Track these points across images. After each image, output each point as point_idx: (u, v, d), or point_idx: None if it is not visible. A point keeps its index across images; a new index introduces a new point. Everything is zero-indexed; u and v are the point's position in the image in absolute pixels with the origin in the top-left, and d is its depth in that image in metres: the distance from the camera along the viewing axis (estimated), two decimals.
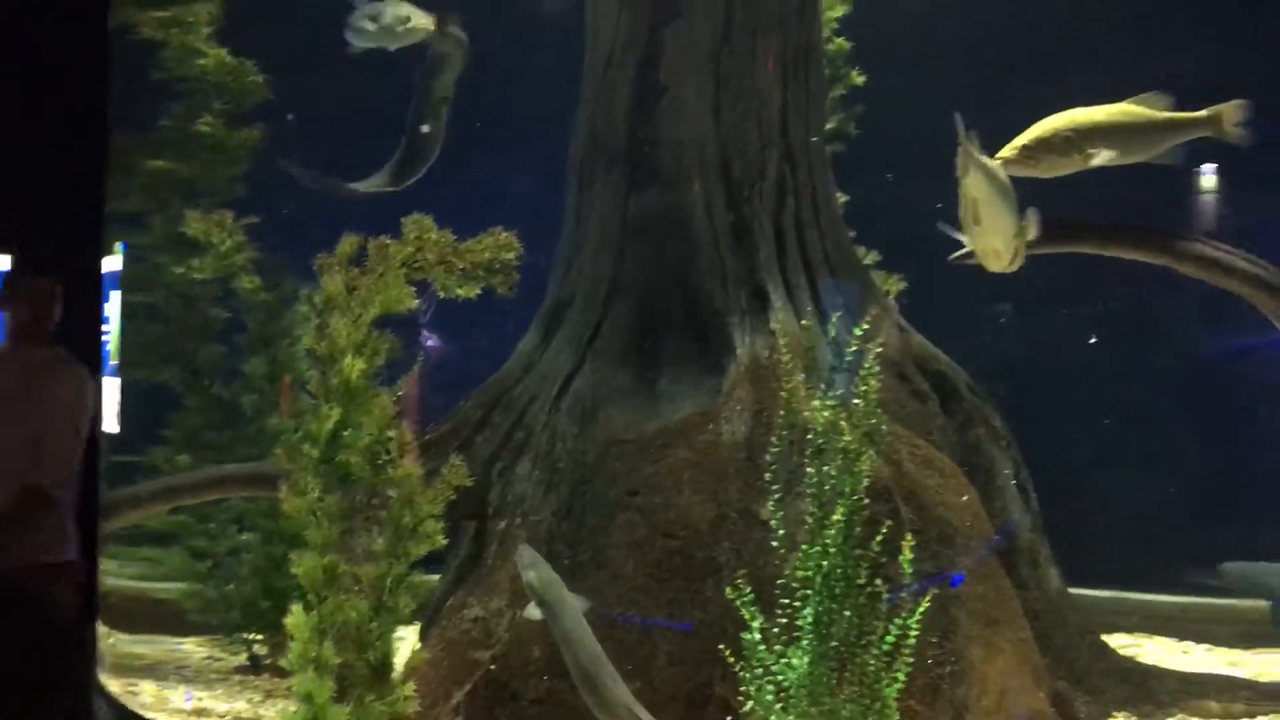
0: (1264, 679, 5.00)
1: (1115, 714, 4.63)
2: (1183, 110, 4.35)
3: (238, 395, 6.18)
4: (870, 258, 6.07)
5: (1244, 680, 4.83)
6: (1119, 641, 5.40)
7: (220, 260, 5.93)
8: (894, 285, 6.09)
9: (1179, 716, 4.59)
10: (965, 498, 4.56)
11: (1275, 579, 5.13)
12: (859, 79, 6.33)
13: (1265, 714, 4.49)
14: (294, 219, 6.33)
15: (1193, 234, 4.99)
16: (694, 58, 4.86)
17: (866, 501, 3.73)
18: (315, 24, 5.39)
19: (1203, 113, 4.34)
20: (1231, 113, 4.31)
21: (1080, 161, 4.32)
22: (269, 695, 5.17)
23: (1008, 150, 4.26)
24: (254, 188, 6.21)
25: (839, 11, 6.21)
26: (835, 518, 3.63)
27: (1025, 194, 4.24)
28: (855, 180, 5.84)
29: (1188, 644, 5.66)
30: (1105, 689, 4.79)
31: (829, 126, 6.23)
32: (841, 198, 5.99)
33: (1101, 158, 4.33)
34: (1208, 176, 5.53)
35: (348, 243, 3.49)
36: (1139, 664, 5.00)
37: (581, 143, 5.16)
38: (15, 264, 3.83)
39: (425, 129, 5.19)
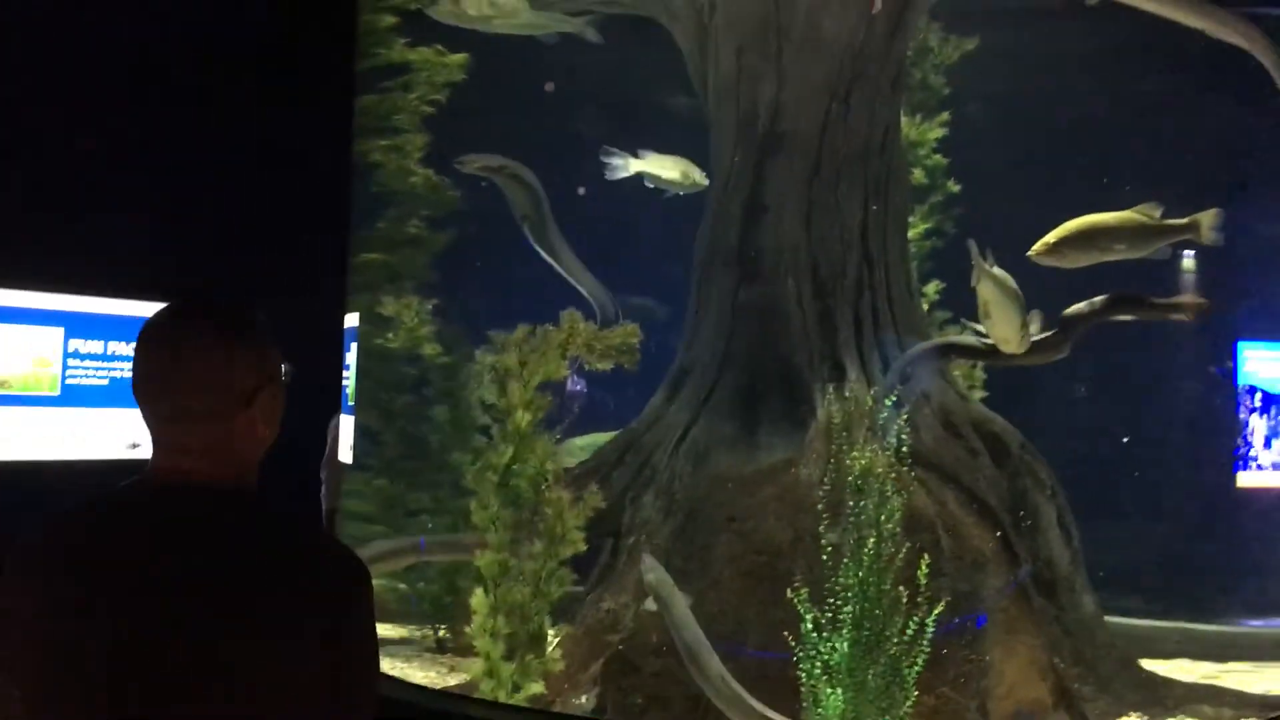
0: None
1: (1129, 714, 5.33)
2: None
3: (426, 435, 7.11)
4: (964, 334, 7.08)
5: (1231, 690, 5.51)
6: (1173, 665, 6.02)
7: (408, 333, 6.83)
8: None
9: (1180, 717, 5.30)
10: (999, 534, 5.35)
11: None
12: (954, 188, 7.31)
13: (1247, 718, 5.28)
14: (470, 302, 7.42)
15: None
16: (790, 185, 5.74)
17: (897, 530, 4.60)
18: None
19: (1185, 220, 5.24)
20: (1209, 219, 5.23)
21: (1095, 256, 5.22)
22: (452, 669, 5.92)
23: (1038, 245, 5.18)
24: (444, 274, 7.19)
25: (937, 133, 7.24)
26: (870, 541, 4.80)
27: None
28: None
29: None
30: (1125, 694, 5.48)
31: (928, 227, 7.41)
32: (938, 285, 7.11)
33: (1110, 255, 5.25)
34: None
35: (520, 330, 4.87)
36: (1154, 674, 5.65)
37: (703, 248, 6.06)
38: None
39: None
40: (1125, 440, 6.84)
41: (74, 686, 1.81)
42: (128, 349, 6.34)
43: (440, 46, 6.88)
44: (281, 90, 5.70)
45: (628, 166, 6.12)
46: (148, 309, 5.77)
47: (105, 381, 6.94)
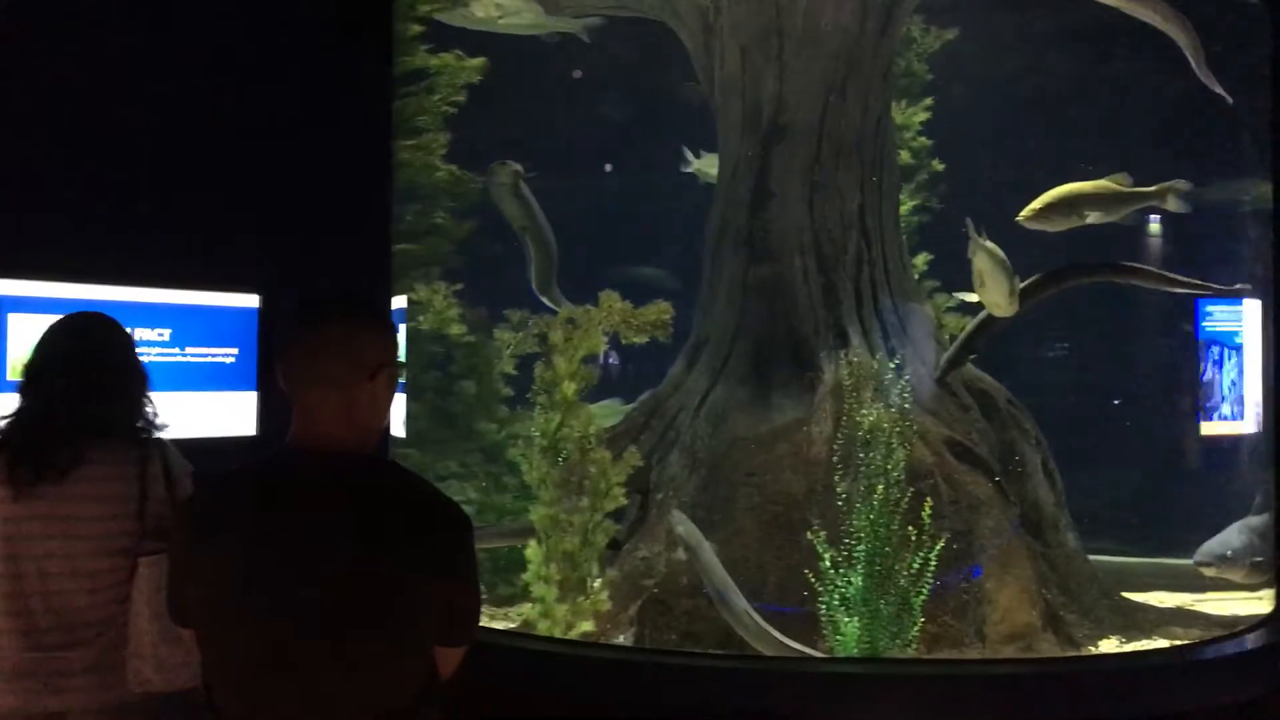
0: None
1: (1110, 636, 5.85)
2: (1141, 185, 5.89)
3: (452, 408, 7.53)
4: (950, 302, 7.69)
5: (1202, 614, 6.08)
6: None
7: (437, 316, 7.32)
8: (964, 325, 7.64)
9: (1155, 638, 5.83)
10: (991, 480, 5.88)
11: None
12: (939, 167, 7.90)
13: (1214, 638, 5.87)
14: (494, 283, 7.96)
15: None
16: (793, 171, 6.24)
17: (901, 478, 5.18)
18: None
19: (1154, 188, 5.86)
20: (1175, 188, 5.86)
21: (1075, 220, 5.82)
22: (491, 618, 6.14)
23: (1027, 211, 5.79)
24: (470, 260, 7.69)
25: (922, 117, 7.83)
26: (879, 488, 5.36)
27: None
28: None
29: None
30: (1105, 619, 6.01)
31: (915, 204, 8.00)
32: (927, 257, 7.70)
33: (1089, 219, 5.84)
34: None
35: (564, 311, 5.43)
36: (1131, 601, 6.19)
37: (715, 228, 6.52)
38: None
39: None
40: (1116, 402, 7.43)
41: (238, 625, 2.21)
42: (155, 334, 6.63)
43: (459, 51, 7.36)
44: (329, 97, 6.18)
45: (689, 163, 6.79)
46: (198, 298, 6.13)
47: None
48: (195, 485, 3.01)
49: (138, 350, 3.16)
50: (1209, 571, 6.06)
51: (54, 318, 3.24)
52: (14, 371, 6.02)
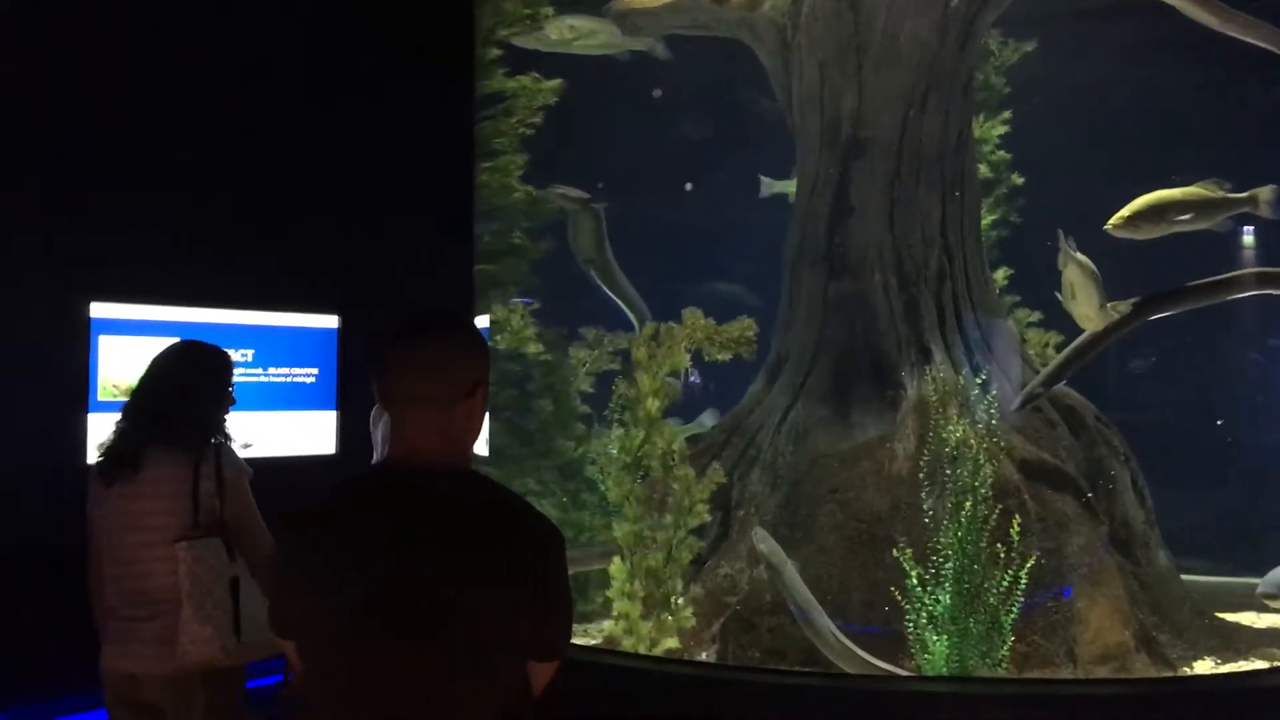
0: None
1: (1205, 657, 5.73)
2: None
3: (529, 425, 7.57)
4: (1033, 317, 7.60)
5: None
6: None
7: (514, 335, 7.40)
8: (1049, 339, 7.57)
9: (1251, 659, 5.69)
10: (1079, 498, 5.78)
11: None
12: (1018, 180, 7.82)
13: None
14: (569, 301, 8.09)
15: None
16: (873, 187, 6.22)
17: (989, 495, 5.08)
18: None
19: (1244, 194, 5.70)
20: (1266, 194, 5.69)
21: (1165, 228, 5.69)
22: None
23: (1115, 219, 5.66)
24: (546, 281, 7.78)
25: (1000, 130, 7.74)
26: (966, 505, 5.31)
27: None
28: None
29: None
30: (1200, 640, 5.87)
31: (995, 218, 7.92)
32: (1007, 271, 7.61)
33: (1178, 227, 5.71)
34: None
35: (649, 328, 5.45)
36: (1225, 622, 6.04)
37: (794, 245, 6.54)
38: None
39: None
40: (1219, 422, 7.24)
41: (337, 638, 2.24)
42: (239, 355, 6.73)
43: (536, 74, 7.45)
44: (412, 122, 6.30)
45: (771, 187, 6.89)
46: (280, 319, 6.28)
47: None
48: (282, 500, 3.17)
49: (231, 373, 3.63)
50: (1275, 604, 5.89)
51: (142, 339, 4.10)
52: (104, 391, 6.23)
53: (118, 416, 3.52)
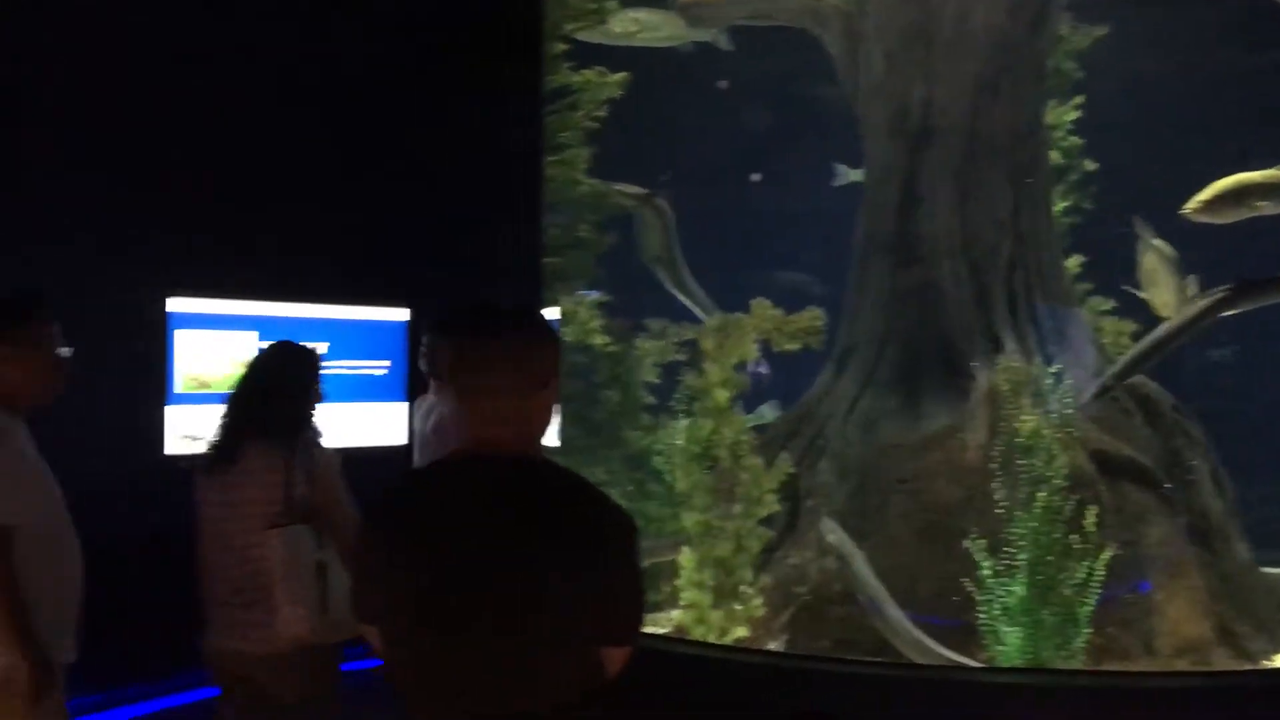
0: None
1: None
2: None
3: (596, 416, 7.61)
4: (1107, 305, 7.47)
5: None
6: None
7: (580, 327, 7.43)
8: (1124, 328, 7.42)
9: None
10: (1156, 489, 5.69)
11: None
12: (1091, 166, 7.65)
13: None
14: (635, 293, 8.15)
15: None
16: (943, 175, 6.14)
17: (1063, 485, 5.05)
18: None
19: None
20: None
21: (1245, 212, 5.57)
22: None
23: (1193, 203, 5.56)
24: (611, 273, 7.85)
25: (1072, 116, 7.59)
26: (1040, 495, 5.20)
27: None
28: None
29: None
30: None
31: (1067, 205, 7.79)
32: (1079, 259, 7.47)
33: (1258, 210, 5.58)
34: None
35: (716, 319, 5.46)
36: None
37: (862, 234, 6.45)
38: None
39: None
40: None
41: (419, 623, 2.28)
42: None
43: (602, 68, 7.48)
44: (481, 116, 6.36)
45: (848, 175, 6.91)
46: (351, 312, 6.38)
47: None
48: (369, 493, 3.28)
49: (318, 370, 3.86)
50: None
51: (218, 333, 4.65)
52: (183, 384, 6.37)
53: (221, 409, 3.76)
